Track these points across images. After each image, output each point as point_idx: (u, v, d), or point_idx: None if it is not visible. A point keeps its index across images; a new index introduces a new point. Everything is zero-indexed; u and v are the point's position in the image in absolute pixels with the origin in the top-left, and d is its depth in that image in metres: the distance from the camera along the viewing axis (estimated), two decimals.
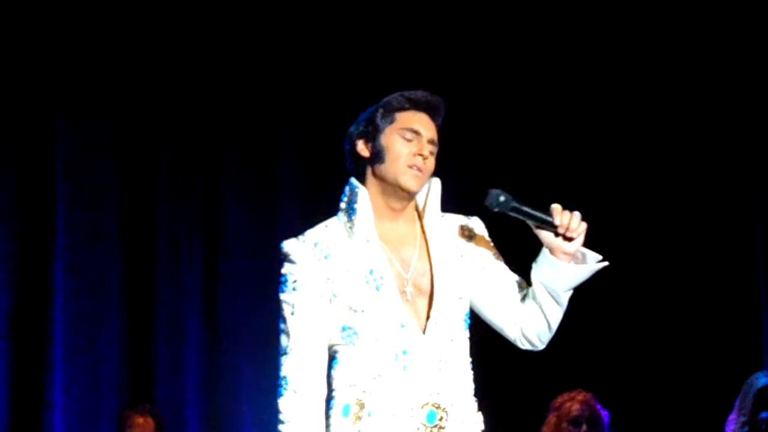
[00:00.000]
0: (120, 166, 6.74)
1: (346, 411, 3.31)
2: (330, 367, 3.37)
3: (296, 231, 3.41)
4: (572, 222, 3.32)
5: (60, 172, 6.59)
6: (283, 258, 3.37)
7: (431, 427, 3.30)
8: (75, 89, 6.65)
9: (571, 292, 3.41)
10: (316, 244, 3.36)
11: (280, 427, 3.29)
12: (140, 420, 6.12)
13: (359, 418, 3.29)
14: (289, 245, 3.37)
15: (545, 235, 3.35)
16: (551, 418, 5.65)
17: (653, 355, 6.90)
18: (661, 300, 6.95)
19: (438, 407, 3.31)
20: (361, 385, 3.31)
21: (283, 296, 3.36)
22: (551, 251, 3.35)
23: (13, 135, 6.52)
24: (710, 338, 6.87)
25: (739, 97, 6.88)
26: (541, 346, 3.49)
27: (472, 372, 3.42)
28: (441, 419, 3.31)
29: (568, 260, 3.36)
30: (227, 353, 6.79)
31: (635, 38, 6.98)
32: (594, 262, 3.39)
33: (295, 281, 3.34)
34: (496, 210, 3.34)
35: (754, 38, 6.81)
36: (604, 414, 5.73)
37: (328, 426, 3.33)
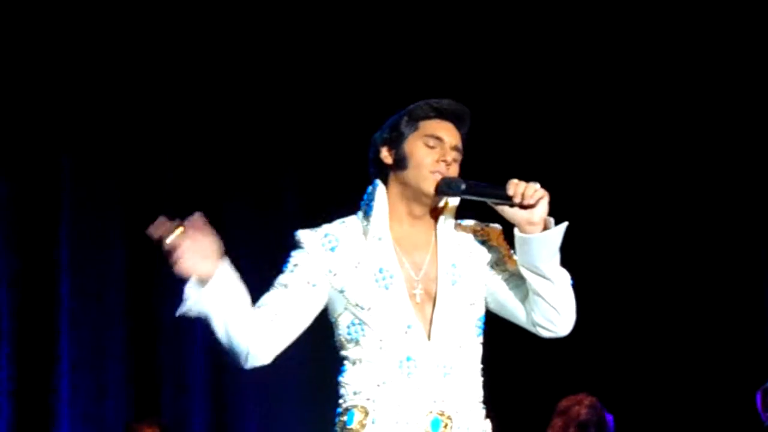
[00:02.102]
0: (125, 172, 6.75)
1: (350, 418, 3.32)
2: (338, 374, 3.38)
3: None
4: (527, 189, 3.29)
5: (65, 178, 6.59)
6: (294, 244, 3.41)
7: None
8: (80, 89, 6.66)
9: (555, 264, 3.35)
10: (326, 235, 3.39)
11: None
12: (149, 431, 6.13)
13: (364, 425, 3.30)
14: (301, 233, 3.42)
15: (507, 212, 3.33)
16: (557, 422, 5.63)
17: (657, 359, 6.90)
18: (666, 304, 6.95)
19: (442, 414, 3.31)
20: (366, 392, 3.32)
21: (279, 276, 3.41)
22: (520, 228, 3.32)
23: (16, 138, 6.52)
24: (714, 342, 6.86)
25: (744, 101, 6.88)
26: (561, 332, 3.44)
27: (482, 378, 3.42)
28: (446, 426, 3.31)
29: (540, 231, 3.32)
30: None
31: (640, 42, 6.98)
32: (554, 224, 3.35)
33: (295, 265, 3.39)
34: (450, 195, 3.37)
35: (758, 40, 6.82)
36: (609, 419, 5.73)
37: None
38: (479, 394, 3.41)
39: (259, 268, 6.66)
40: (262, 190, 6.98)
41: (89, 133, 6.67)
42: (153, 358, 6.72)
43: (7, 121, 6.51)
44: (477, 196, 3.35)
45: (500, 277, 3.47)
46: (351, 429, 3.31)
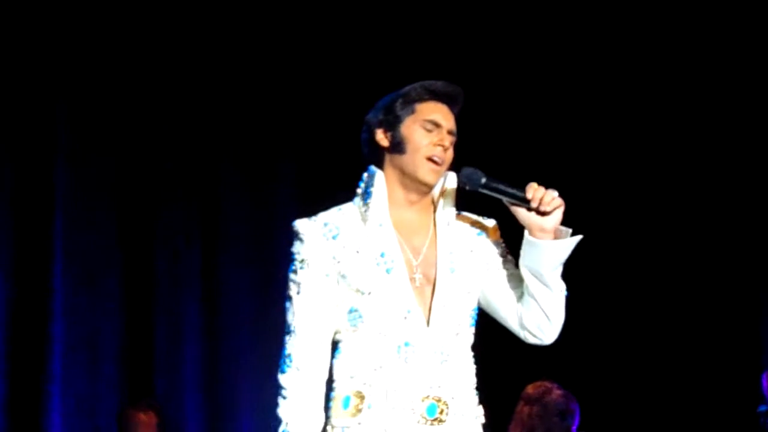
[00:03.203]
0: (120, 160, 6.73)
1: (346, 403, 3.32)
2: (332, 357, 3.38)
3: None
4: (545, 196, 3.31)
5: (59, 165, 6.58)
6: (294, 236, 3.40)
7: (431, 420, 3.30)
8: (77, 78, 6.64)
9: (557, 273, 3.38)
10: (326, 224, 3.38)
11: (281, 401, 3.32)
12: (143, 417, 6.11)
13: (359, 410, 3.30)
14: (299, 224, 3.40)
15: (520, 213, 3.35)
16: (531, 409, 5.59)
17: (633, 352, 6.90)
18: (651, 301, 6.95)
19: (439, 400, 3.31)
20: (362, 377, 3.31)
21: (291, 275, 3.38)
22: (530, 231, 3.34)
23: (11, 126, 6.50)
24: (696, 339, 6.88)
25: (740, 98, 6.87)
26: (546, 340, 3.48)
27: (474, 366, 3.43)
28: (441, 412, 3.31)
29: (549, 239, 3.34)
30: (226, 345, 6.80)
31: (638, 39, 6.97)
32: (569, 235, 3.37)
33: (302, 260, 3.36)
34: (468, 188, 3.37)
35: (757, 40, 6.81)
36: (576, 407, 5.74)
37: (328, 417, 3.34)
38: (473, 380, 3.41)
39: (256, 253, 6.75)
40: (257, 173, 6.97)
41: (84, 117, 6.65)
42: (147, 340, 6.71)
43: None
44: (494, 192, 3.35)
45: (496, 275, 3.47)
46: (346, 413, 3.31)
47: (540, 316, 3.42)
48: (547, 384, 5.61)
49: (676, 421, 6.78)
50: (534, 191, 3.32)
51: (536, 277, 3.37)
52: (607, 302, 6.86)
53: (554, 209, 3.32)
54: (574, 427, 5.61)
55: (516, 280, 3.46)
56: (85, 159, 6.65)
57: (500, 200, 3.38)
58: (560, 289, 3.41)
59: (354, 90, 6.65)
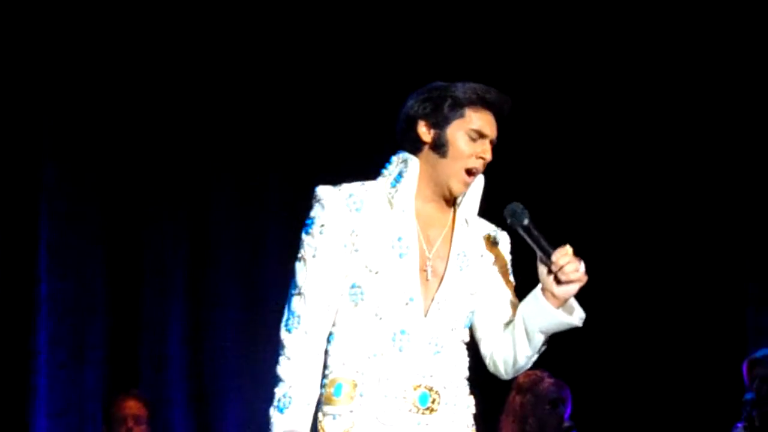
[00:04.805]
0: (108, 158, 6.72)
1: (338, 390, 3.31)
2: (327, 342, 3.35)
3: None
4: (568, 265, 3.31)
5: (45, 159, 6.57)
6: (315, 201, 3.36)
7: (423, 409, 3.31)
8: (67, 76, 6.62)
9: (544, 336, 3.39)
10: (351, 195, 3.35)
11: (283, 360, 3.29)
12: (135, 404, 6.15)
13: (351, 398, 3.29)
14: (323, 189, 3.37)
15: (541, 269, 3.35)
16: (523, 399, 5.60)
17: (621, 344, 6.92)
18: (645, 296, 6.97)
19: (431, 389, 3.32)
20: (355, 364, 3.31)
21: (306, 238, 3.34)
22: (543, 289, 3.35)
23: None
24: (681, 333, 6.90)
25: (732, 101, 6.88)
26: (504, 376, 3.50)
27: (468, 358, 3.43)
28: (433, 401, 3.32)
29: (555, 305, 3.35)
30: (212, 339, 6.80)
31: (636, 42, 6.97)
32: (577, 318, 3.39)
33: (322, 225, 3.32)
34: (508, 222, 3.37)
35: (755, 41, 6.81)
36: (569, 394, 5.74)
37: (320, 404, 3.33)
38: (465, 372, 3.43)
39: (242, 248, 6.74)
40: (246, 170, 6.96)
41: (72, 114, 6.64)
42: (133, 334, 6.72)
43: None
44: (529, 238, 3.35)
45: (489, 293, 3.47)
46: (338, 400, 3.30)
47: (509, 357, 3.44)
48: (539, 373, 5.60)
49: (665, 409, 6.79)
50: (560, 255, 3.31)
51: (525, 328, 3.38)
52: (596, 293, 6.84)
53: (571, 282, 3.32)
54: (566, 416, 5.61)
55: (505, 307, 3.46)
56: (72, 155, 6.65)
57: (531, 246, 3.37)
58: (538, 351, 3.43)
59: (343, 101, 6.68)
